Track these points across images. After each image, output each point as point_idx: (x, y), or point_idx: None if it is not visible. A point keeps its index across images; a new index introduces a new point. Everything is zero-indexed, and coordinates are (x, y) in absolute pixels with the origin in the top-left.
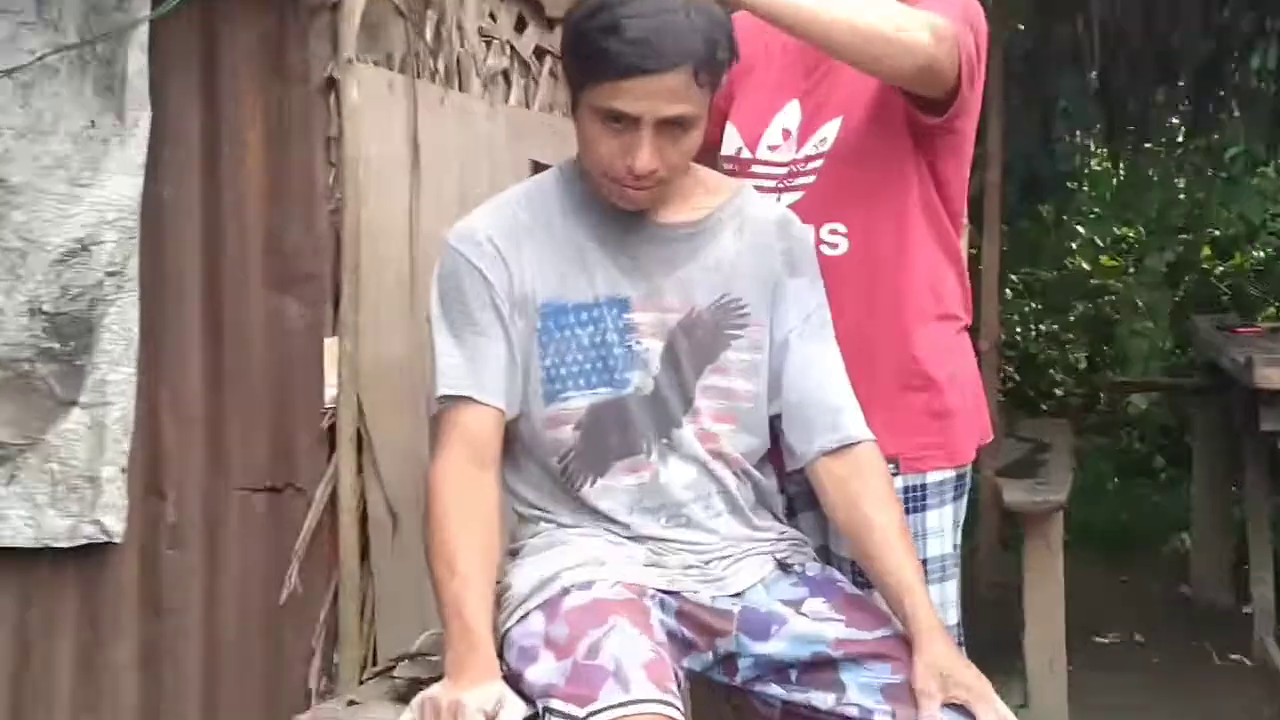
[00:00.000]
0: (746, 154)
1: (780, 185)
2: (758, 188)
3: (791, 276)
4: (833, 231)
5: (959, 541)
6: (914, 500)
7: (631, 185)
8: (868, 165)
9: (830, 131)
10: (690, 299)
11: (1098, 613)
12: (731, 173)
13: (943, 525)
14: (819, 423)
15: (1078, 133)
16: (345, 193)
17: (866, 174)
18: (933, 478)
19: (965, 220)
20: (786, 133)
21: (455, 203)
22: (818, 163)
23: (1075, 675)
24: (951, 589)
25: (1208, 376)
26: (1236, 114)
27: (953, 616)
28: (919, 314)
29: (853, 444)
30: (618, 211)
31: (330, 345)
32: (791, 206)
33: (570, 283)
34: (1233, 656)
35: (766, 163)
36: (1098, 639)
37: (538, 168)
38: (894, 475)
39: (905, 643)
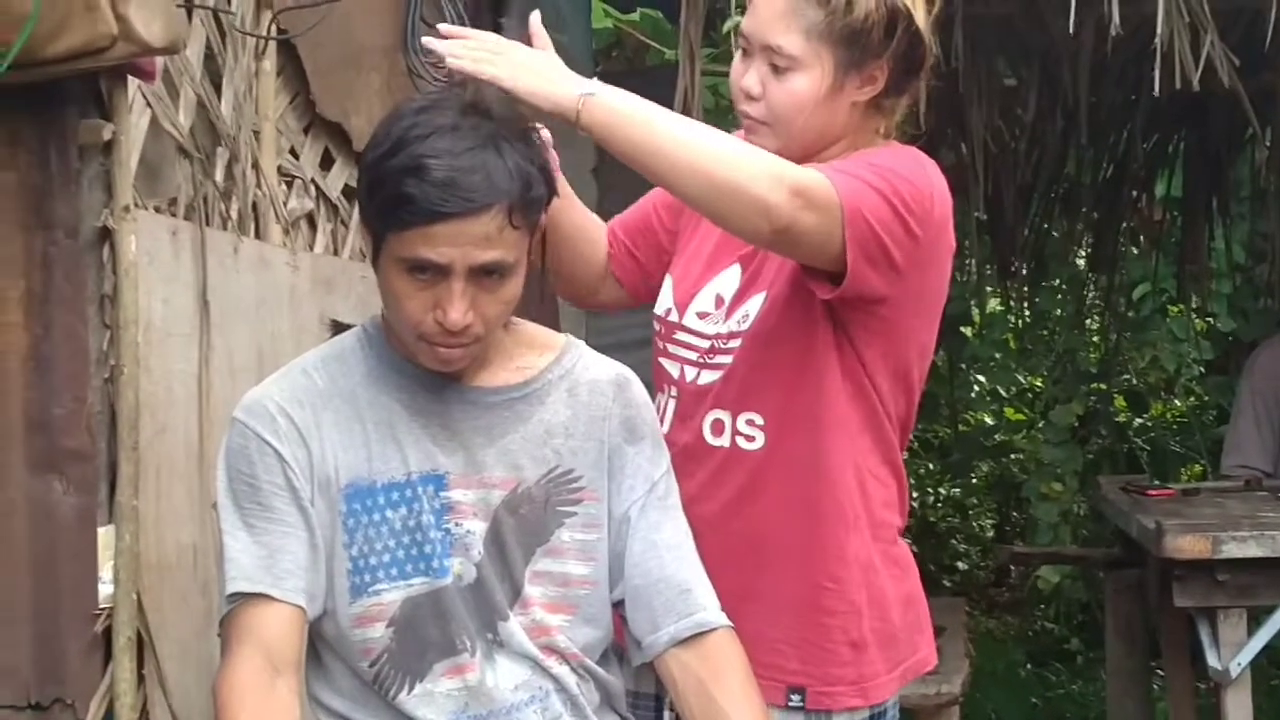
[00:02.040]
0: (674, 317)
1: (700, 360)
2: (678, 358)
3: (630, 444)
4: (749, 422)
5: None
6: None
7: (444, 343)
8: (787, 348)
9: (753, 307)
10: (516, 472)
11: None
12: (657, 334)
13: None
14: (667, 608)
15: (968, 272)
16: (122, 359)
17: (786, 358)
18: (839, 718)
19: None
20: (720, 300)
21: (252, 368)
22: (736, 342)
23: None
24: None
25: (1121, 547)
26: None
27: None
28: (844, 521)
29: (706, 631)
30: (430, 375)
31: (104, 535)
32: (709, 388)
33: (378, 459)
34: None
35: (692, 331)
36: None
37: (339, 328)
38: (799, 708)
39: None
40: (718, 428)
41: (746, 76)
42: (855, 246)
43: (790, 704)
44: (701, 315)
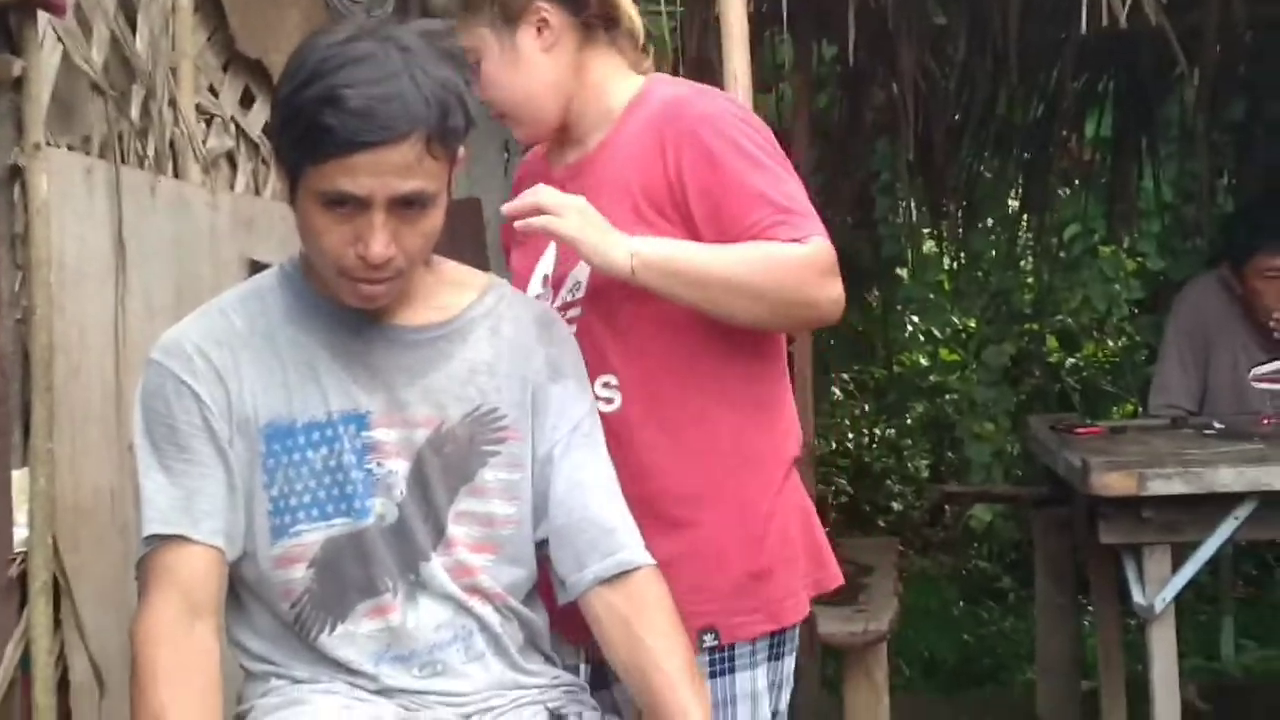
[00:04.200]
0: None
1: None
2: None
3: (554, 382)
4: (605, 385)
5: (782, 708)
6: (721, 663)
7: (366, 278)
8: (627, 307)
9: (582, 274)
10: (439, 411)
11: None
12: None
13: (755, 689)
14: (591, 547)
15: (901, 213)
16: (35, 300)
17: (628, 317)
18: (760, 645)
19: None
20: (545, 279)
21: (170, 309)
22: (575, 311)
23: None
24: None
25: (1050, 485)
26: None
27: None
28: (724, 461)
29: (631, 570)
30: (351, 314)
31: (19, 479)
32: None
33: (298, 398)
34: None
35: None
36: None
37: (257, 268)
38: (714, 647)
39: None
40: None
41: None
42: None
43: (705, 644)
44: (537, 296)
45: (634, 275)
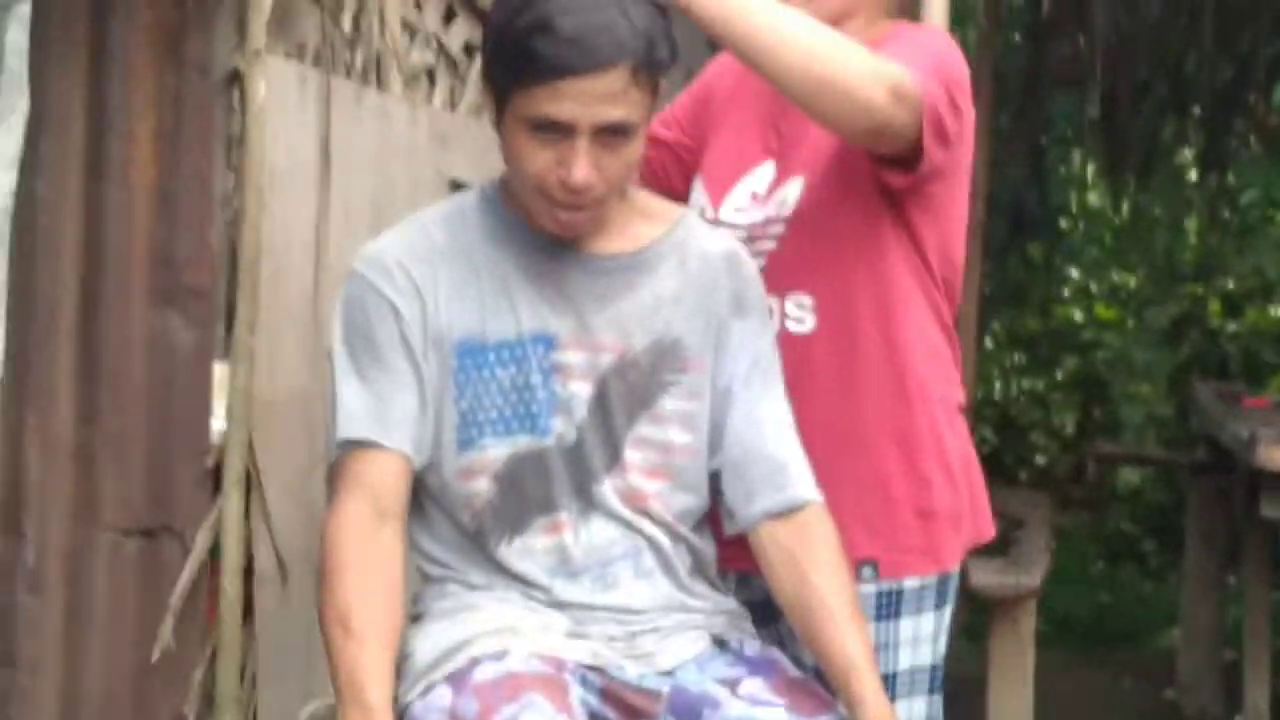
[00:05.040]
0: (709, 214)
1: None
2: None
3: (738, 318)
4: (798, 305)
5: (940, 657)
6: (888, 606)
7: (566, 203)
8: (835, 230)
9: (791, 193)
10: (625, 339)
11: (1072, 716)
12: None
13: (918, 634)
14: (763, 481)
15: (1074, 165)
16: (245, 201)
17: (834, 240)
18: (910, 583)
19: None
20: (755, 195)
21: (368, 218)
22: (778, 228)
23: None
24: (921, 706)
25: (1208, 452)
26: (1254, 152)
27: None
28: (903, 397)
29: (800, 506)
30: (547, 239)
31: (220, 372)
32: None
33: (491, 317)
34: None
35: (730, 225)
36: None
37: (456, 187)
38: (870, 580)
39: None
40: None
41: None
42: (930, 134)
43: (863, 578)
44: (738, 209)
45: (691, 5)
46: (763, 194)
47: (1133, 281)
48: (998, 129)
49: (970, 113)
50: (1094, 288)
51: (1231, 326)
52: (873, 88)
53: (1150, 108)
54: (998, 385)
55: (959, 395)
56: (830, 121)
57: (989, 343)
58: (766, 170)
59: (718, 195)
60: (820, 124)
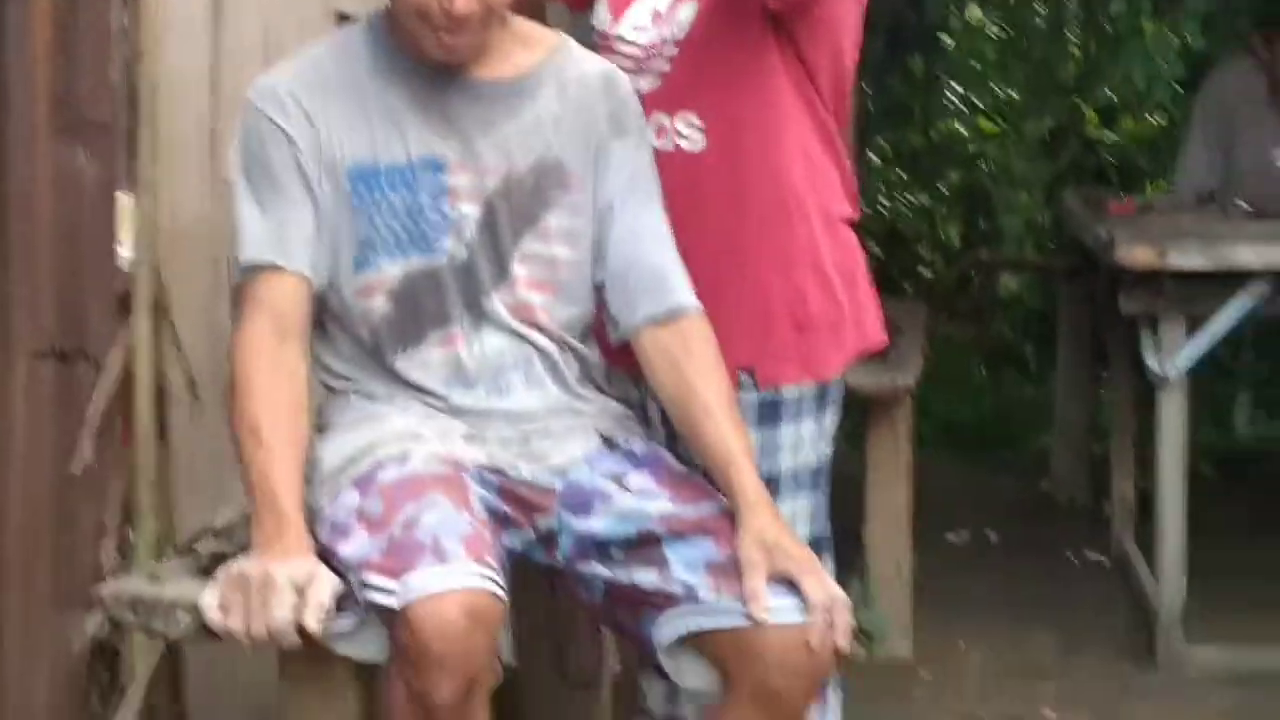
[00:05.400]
0: (611, 28)
1: (637, 68)
2: (619, 69)
3: (616, 138)
4: (689, 124)
5: (822, 458)
6: (768, 414)
7: (448, 27)
8: (724, 52)
9: (685, 14)
10: (509, 160)
11: (951, 510)
12: (596, 48)
13: (799, 438)
14: (644, 291)
15: None
16: (143, 39)
17: (723, 61)
18: (789, 392)
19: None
20: (656, 14)
21: (260, 53)
22: (672, 49)
23: (923, 574)
24: (804, 503)
25: (1077, 257)
26: None
27: (803, 529)
28: (783, 213)
29: (680, 312)
30: (431, 67)
31: (124, 202)
32: (647, 94)
33: (381, 143)
34: (1090, 556)
35: (628, 42)
36: (949, 537)
37: (344, 20)
38: (749, 388)
39: (732, 518)
40: (660, 132)
41: None
42: None
43: (742, 386)
44: (638, 28)
45: None
46: (664, 12)
47: (1015, 95)
48: None
49: None
50: (976, 102)
51: (1110, 136)
52: None
53: None
54: (883, 201)
55: (845, 210)
56: None
57: (874, 159)
58: None
59: (619, 10)
60: None
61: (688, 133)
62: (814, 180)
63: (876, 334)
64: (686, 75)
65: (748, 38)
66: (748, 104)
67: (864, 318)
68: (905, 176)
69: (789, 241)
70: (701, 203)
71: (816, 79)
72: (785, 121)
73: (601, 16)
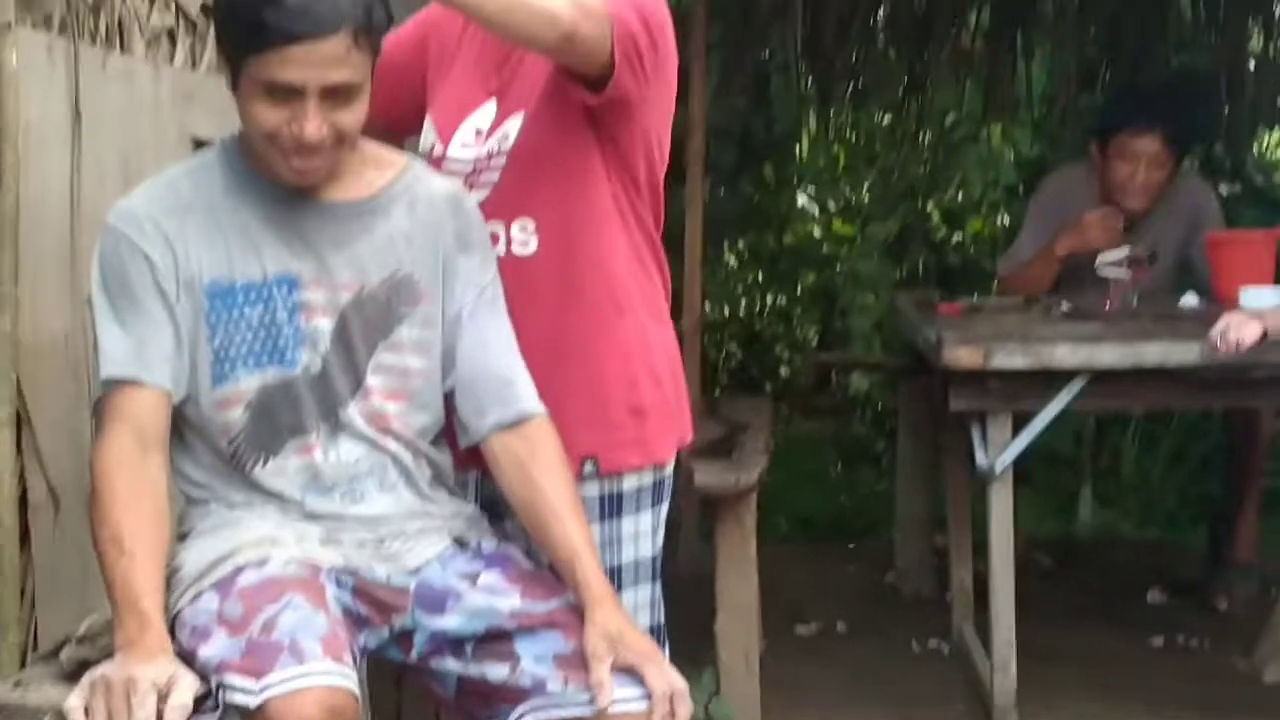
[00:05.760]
0: (439, 150)
1: (468, 183)
2: None
3: (462, 253)
4: (523, 229)
5: (658, 548)
6: (610, 507)
7: (300, 156)
8: (553, 159)
9: (512, 128)
10: (362, 276)
11: (801, 603)
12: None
13: (638, 530)
14: (492, 397)
15: (793, 91)
16: (4, 162)
17: (552, 167)
18: (629, 483)
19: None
20: (479, 132)
21: (118, 173)
22: (501, 160)
23: (772, 665)
24: (645, 593)
25: (913, 356)
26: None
27: (644, 619)
28: (619, 307)
29: (526, 418)
30: (285, 189)
31: None
32: (480, 205)
33: (238, 262)
34: (931, 644)
35: (457, 160)
36: (799, 628)
37: (199, 145)
38: (591, 477)
39: (579, 612)
40: (494, 240)
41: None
42: (620, 53)
43: (585, 473)
44: (464, 145)
45: None
46: (485, 130)
47: (866, 198)
48: (721, 61)
49: (671, 53)
50: (830, 205)
51: (955, 238)
52: (558, 3)
53: (855, 37)
54: (743, 302)
55: (664, 303)
56: (522, 35)
57: (732, 261)
58: (489, 109)
59: (446, 134)
60: (517, 43)
61: (521, 237)
62: (637, 276)
63: (689, 427)
64: (517, 183)
65: (572, 143)
66: (576, 206)
67: (684, 408)
68: (763, 278)
69: (620, 334)
70: (535, 301)
71: (636, 179)
72: (610, 220)
73: (429, 141)
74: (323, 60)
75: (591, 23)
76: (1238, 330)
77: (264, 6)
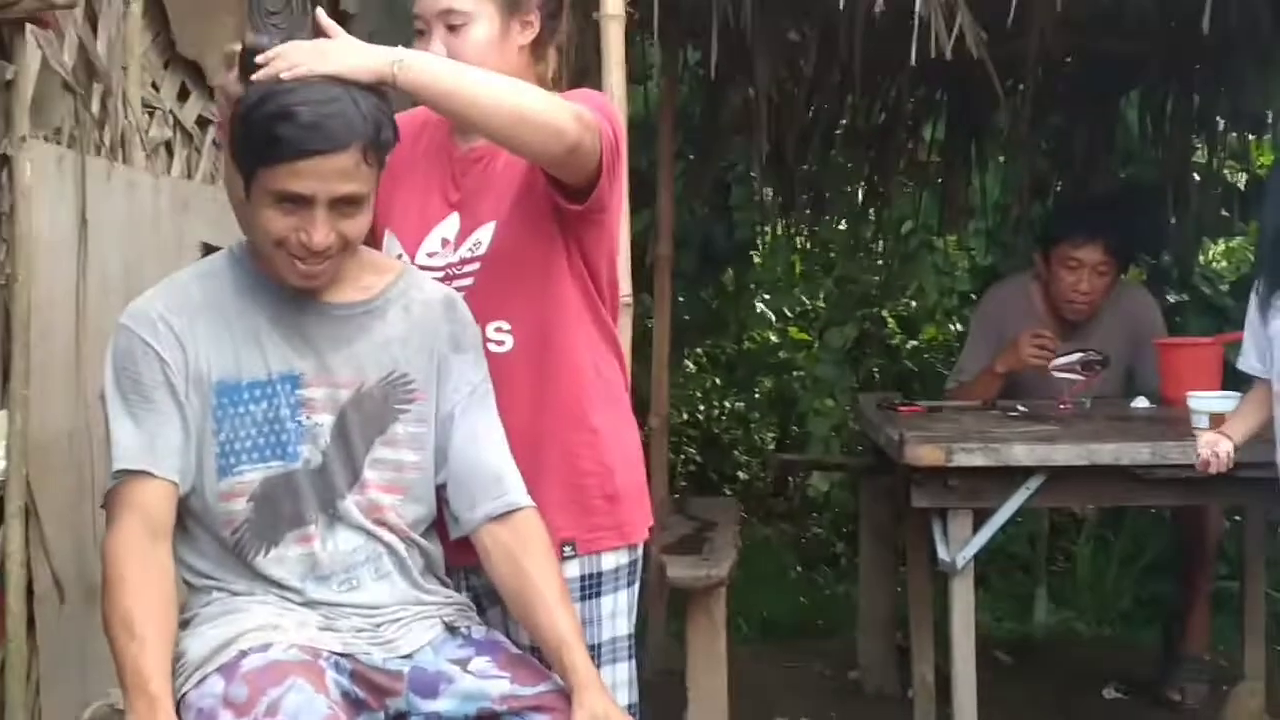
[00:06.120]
0: (406, 259)
1: None
2: None
3: (456, 353)
4: (498, 329)
5: (633, 626)
6: (590, 587)
7: (306, 262)
8: (523, 262)
9: (485, 235)
10: (360, 375)
11: (768, 701)
12: None
13: (616, 610)
14: (483, 491)
15: (754, 201)
16: (16, 267)
17: (524, 271)
18: (608, 563)
19: (628, 300)
20: (445, 241)
21: (121, 277)
22: (474, 265)
23: None
24: (623, 670)
25: (874, 457)
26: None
27: (624, 697)
28: (588, 400)
29: (516, 510)
30: (289, 291)
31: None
32: None
33: (244, 360)
34: None
35: (426, 267)
36: None
37: (208, 249)
38: (570, 558)
39: (566, 697)
40: None
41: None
42: (605, 162)
43: (565, 555)
44: (430, 254)
45: (396, 76)
46: (453, 240)
47: (822, 305)
48: (684, 171)
49: (624, 157)
50: (786, 311)
51: (911, 344)
52: (564, 118)
53: (815, 149)
54: (701, 407)
55: (626, 394)
56: (532, 150)
57: (690, 366)
58: (453, 221)
59: (412, 246)
60: (521, 154)
61: (497, 337)
62: (602, 369)
63: (649, 515)
64: (491, 287)
65: (543, 247)
66: (547, 306)
67: (645, 497)
68: (721, 383)
69: (592, 423)
70: (512, 395)
71: (598, 280)
72: (578, 319)
73: (394, 251)
74: (333, 173)
75: (590, 134)
76: (1213, 446)
77: (279, 121)
